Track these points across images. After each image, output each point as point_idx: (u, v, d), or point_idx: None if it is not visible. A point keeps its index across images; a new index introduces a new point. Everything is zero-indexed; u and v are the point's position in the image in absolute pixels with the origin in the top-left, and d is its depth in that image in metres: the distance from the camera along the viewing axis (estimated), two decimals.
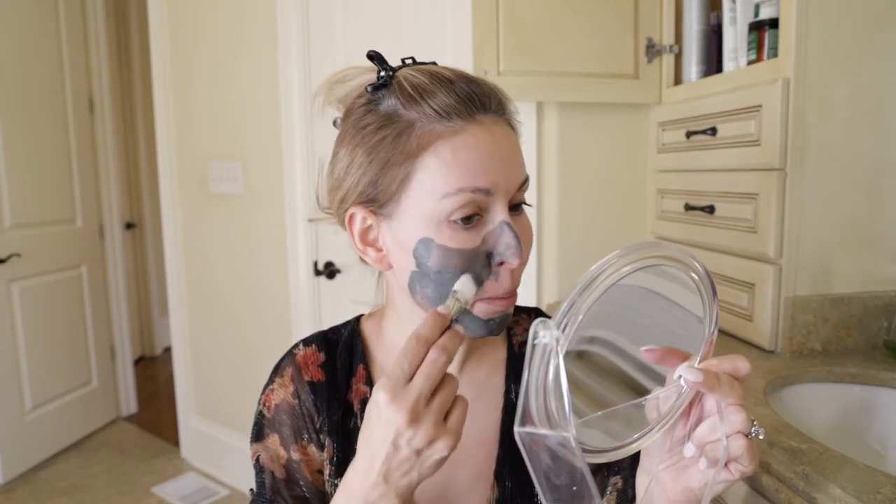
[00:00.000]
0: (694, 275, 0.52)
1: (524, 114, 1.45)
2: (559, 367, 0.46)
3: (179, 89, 2.48)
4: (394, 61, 0.62)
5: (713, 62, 1.43)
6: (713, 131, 1.27)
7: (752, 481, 0.80)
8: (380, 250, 0.62)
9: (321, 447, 0.67)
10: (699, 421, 0.52)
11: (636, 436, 0.52)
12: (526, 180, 0.60)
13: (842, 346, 1.16)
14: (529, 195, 1.59)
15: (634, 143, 1.58)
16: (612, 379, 0.53)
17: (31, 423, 2.62)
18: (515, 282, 0.59)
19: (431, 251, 0.56)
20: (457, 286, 0.55)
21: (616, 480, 0.68)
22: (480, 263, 0.57)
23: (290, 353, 0.70)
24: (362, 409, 0.67)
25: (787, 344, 1.14)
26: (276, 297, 2.22)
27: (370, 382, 0.68)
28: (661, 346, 0.51)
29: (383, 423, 0.49)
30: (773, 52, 1.17)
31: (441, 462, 0.50)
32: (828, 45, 1.09)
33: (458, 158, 0.55)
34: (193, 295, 2.60)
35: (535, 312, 0.77)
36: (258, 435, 0.68)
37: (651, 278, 0.50)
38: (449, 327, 0.53)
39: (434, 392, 0.50)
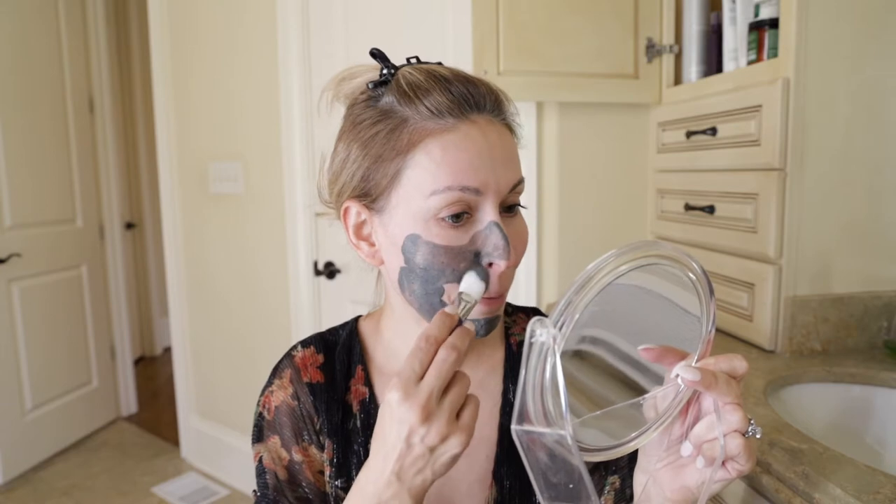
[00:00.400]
0: (691, 274, 0.52)
1: (524, 114, 1.45)
2: (556, 366, 0.46)
3: (179, 89, 2.48)
4: (394, 61, 0.63)
5: (713, 62, 1.43)
6: (713, 131, 1.27)
7: (751, 481, 0.80)
8: (373, 245, 0.62)
9: (321, 448, 0.67)
10: (696, 420, 0.52)
11: (633, 434, 0.52)
12: (520, 182, 0.60)
13: (842, 346, 1.16)
14: (529, 195, 1.59)
15: (634, 143, 1.58)
16: (609, 378, 0.53)
17: (31, 423, 2.62)
18: (504, 285, 0.59)
19: (418, 247, 0.57)
20: (462, 287, 0.55)
21: (614, 479, 0.68)
22: (467, 263, 0.57)
23: (289, 355, 0.71)
24: (361, 411, 0.67)
25: (787, 344, 1.14)
26: (276, 297, 2.22)
27: (369, 383, 0.68)
28: (659, 345, 0.51)
29: (396, 421, 0.49)
30: (773, 52, 1.17)
31: (454, 459, 0.50)
32: (828, 45, 1.09)
33: (448, 156, 0.56)
34: (193, 295, 2.60)
35: (533, 312, 0.77)
36: (259, 436, 0.68)
37: (648, 277, 0.50)
38: (459, 325, 0.52)
39: (446, 390, 0.50)
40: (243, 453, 2.42)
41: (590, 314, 0.48)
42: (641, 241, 0.51)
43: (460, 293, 0.55)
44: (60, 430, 2.79)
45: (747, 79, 1.21)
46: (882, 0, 1.10)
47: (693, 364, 0.51)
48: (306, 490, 0.66)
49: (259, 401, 0.70)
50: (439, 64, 0.62)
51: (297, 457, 0.66)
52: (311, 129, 2.02)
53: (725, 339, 1.26)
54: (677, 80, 1.52)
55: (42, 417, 2.68)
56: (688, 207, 1.39)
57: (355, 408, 0.67)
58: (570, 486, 0.47)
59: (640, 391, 0.53)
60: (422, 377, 0.49)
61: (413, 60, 0.63)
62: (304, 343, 0.71)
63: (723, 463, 0.50)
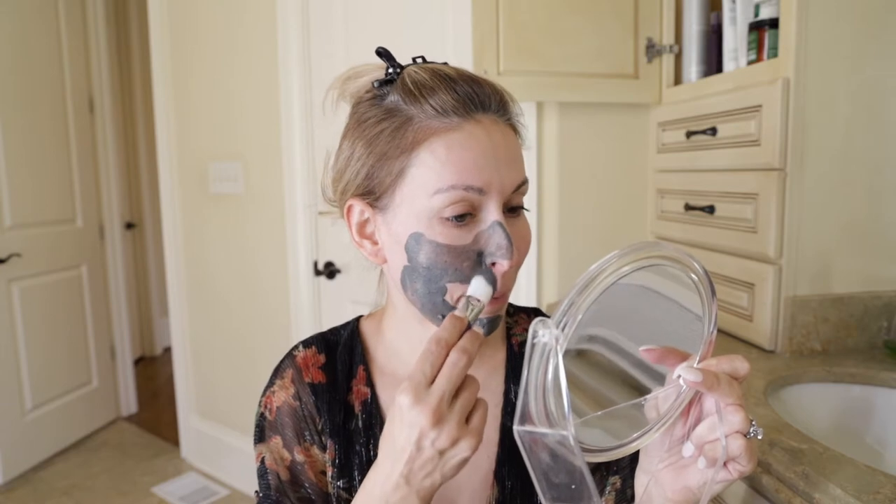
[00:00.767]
0: (693, 275, 0.52)
1: (524, 114, 1.45)
2: (558, 366, 0.46)
3: (179, 89, 2.48)
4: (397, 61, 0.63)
5: (713, 62, 1.43)
6: (713, 131, 1.27)
7: (751, 481, 0.80)
8: (375, 244, 0.62)
9: (323, 449, 0.67)
10: (698, 421, 0.52)
11: (635, 435, 0.52)
12: (524, 183, 0.60)
13: (842, 346, 1.16)
14: (529, 196, 1.58)
15: (634, 143, 1.58)
16: (611, 378, 0.53)
17: (31, 423, 2.62)
18: (506, 285, 0.59)
19: (422, 246, 0.57)
20: (469, 290, 0.55)
21: (615, 480, 0.68)
22: (470, 262, 0.57)
23: (290, 355, 0.70)
24: (363, 411, 0.67)
25: (787, 344, 1.14)
26: (276, 297, 2.22)
27: (370, 383, 0.68)
28: (661, 346, 0.51)
29: (407, 425, 0.49)
30: (773, 52, 1.17)
31: (464, 462, 0.50)
32: (828, 45, 1.09)
33: (452, 155, 0.56)
34: (193, 295, 2.60)
35: (535, 312, 0.77)
36: (261, 437, 0.68)
37: (650, 278, 0.51)
38: (468, 328, 0.52)
39: (456, 394, 0.50)
40: (243, 453, 2.42)
41: (592, 314, 0.48)
42: (644, 242, 0.51)
43: (468, 297, 0.55)
44: (60, 430, 2.79)
45: (747, 79, 1.21)
46: (882, 0, 1.11)
47: (695, 365, 0.51)
48: (308, 491, 0.66)
49: (260, 401, 0.70)
50: (445, 64, 0.62)
51: (300, 457, 0.66)
52: (311, 128, 2.02)
53: (725, 339, 1.26)
54: (677, 80, 1.52)
55: (42, 417, 2.68)
56: (688, 207, 1.39)
57: (357, 408, 0.67)
58: (573, 486, 0.47)
59: (642, 391, 0.53)
60: (432, 381, 0.49)
61: (419, 60, 0.63)
62: (306, 343, 0.71)
63: (724, 464, 0.50)
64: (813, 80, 1.09)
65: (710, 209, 1.30)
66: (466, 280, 0.57)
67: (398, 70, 0.61)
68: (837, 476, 0.70)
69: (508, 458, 0.66)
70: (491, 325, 0.60)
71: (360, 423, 0.67)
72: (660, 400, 0.53)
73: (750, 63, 1.23)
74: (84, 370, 2.93)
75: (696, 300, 0.52)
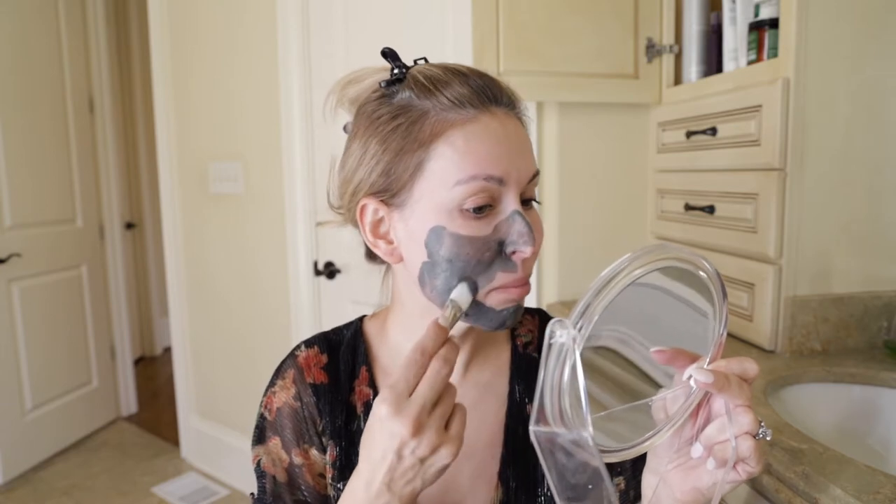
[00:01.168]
0: (704, 275, 0.52)
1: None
2: (576, 367, 0.46)
3: (179, 89, 2.48)
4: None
5: (713, 62, 1.43)
6: (713, 131, 1.27)
7: (752, 481, 0.80)
8: (391, 243, 0.62)
9: (323, 450, 0.66)
10: (707, 422, 0.52)
11: (648, 435, 0.52)
12: (536, 174, 0.60)
13: (842, 346, 1.16)
14: None
15: (634, 143, 1.58)
16: (620, 379, 0.53)
17: (31, 423, 2.62)
18: (527, 270, 0.59)
19: (443, 239, 0.56)
20: (454, 294, 0.56)
21: (619, 481, 0.68)
22: (491, 252, 0.57)
23: (292, 355, 0.70)
24: (365, 412, 0.67)
25: (787, 344, 1.14)
26: (276, 297, 2.22)
27: (373, 384, 0.68)
28: (671, 348, 0.52)
29: (387, 434, 0.49)
30: (773, 52, 1.17)
31: (443, 469, 0.50)
32: (828, 45, 1.09)
33: (470, 146, 0.56)
34: (193, 295, 2.60)
35: (539, 314, 0.77)
36: (259, 437, 0.68)
37: (662, 280, 0.51)
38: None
39: (436, 401, 0.50)
40: (243, 453, 2.42)
41: (606, 316, 0.48)
42: (656, 244, 0.51)
43: (451, 299, 0.55)
44: (60, 430, 2.79)
45: (747, 79, 1.21)
46: (882, 0, 1.11)
47: (705, 366, 0.51)
48: (305, 494, 0.65)
49: (261, 401, 0.69)
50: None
51: (298, 460, 0.66)
52: (311, 129, 2.02)
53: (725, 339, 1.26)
54: (677, 80, 1.52)
55: (42, 417, 2.68)
56: (688, 207, 1.39)
57: (359, 409, 0.67)
58: (590, 486, 0.47)
59: (651, 392, 0.54)
60: (413, 390, 0.50)
61: (420, 62, 0.63)
62: (308, 343, 0.71)
63: (733, 465, 0.50)
64: (813, 80, 1.10)
65: (710, 209, 1.30)
66: (488, 271, 0.57)
67: (404, 70, 0.61)
68: (837, 476, 0.70)
69: (512, 459, 0.66)
70: (516, 313, 0.60)
71: (362, 424, 0.66)
72: (668, 401, 0.53)
73: (750, 63, 1.23)
74: (84, 370, 2.93)
75: (706, 302, 0.53)
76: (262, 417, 0.69)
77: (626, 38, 1.49)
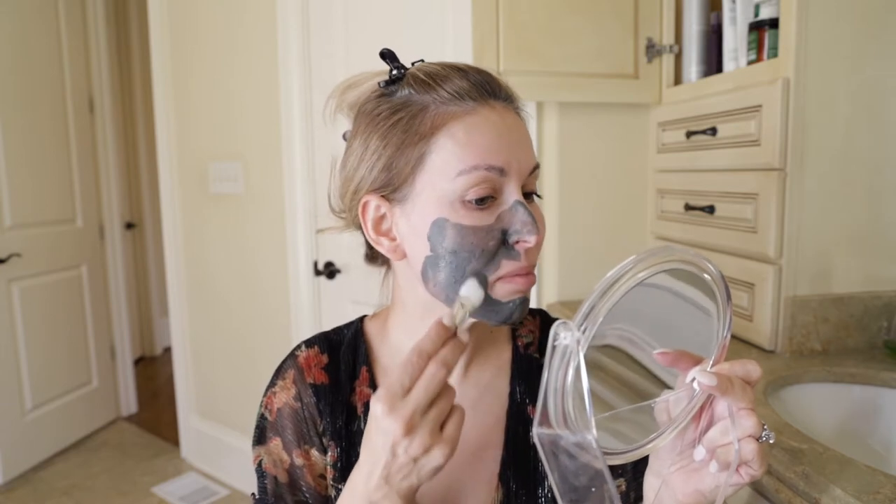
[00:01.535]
0: (708, 277, 0.52)
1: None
2: (580, 369, 0.46)
3: (179, 89, 2.48)
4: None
5: (713, 62, 1.43)
6: (713, 131, 1.27)
7: (753, 482, 0.80)
8: (393, 239, 0.62)
9: (324, 451, 0.66)
10: (710, 424, 0.52)
11: (651, 437, 0.52)
12: (537, 167, 0.61)
13: (842, 346, 1.16)
14: None
15: (634, 143, 1.58)
16: (623, 381, 0.53)
17: (31, 423, 2.62)
18: (531, 260, 0.59)
19: (446, 231, 0.56)
20: (462, 291, 0.55)
21: (620, 482, 0.68)
22: (496, 242, 0.57)
23: (292, 355, 0.70)
24: (366, 413, 0.67)
25: (787, 344, 1.14)
26: (276, 297, 2.22)
27: (373, 385, 0.68)
28: (674, 350, 0.51)
29: (381, 432, 0.50)
30: (773, 52, 1.17)
31: (438, 469, 0.50)
32: (828, 45, 1.09)
33: (471, 137, 0.56)
34: (193, 295, 2.60)
35: (540, 314, 0.77)
36: (260, 438, 0.68)
37: (667, 282, 0.51)
38: (453, 336, 0.52)
39: (432, 402, 0.50)
40: (243, 453, 2.42)
41: (610, 318, 0.48)
42: (660, 246, 0.51)
43: (460, 296, 0.55)
44: (60, 430, 2.79)
45: (747, 79, 1.21)
46: (882, 0, 1.11)
47: (709, 369, 0.51)
48: (306, 494, 0.65)
49: (262, 402, 0.69)
50: None
51: (299, 460, 0.66)
52: (311, 129, 2.02)
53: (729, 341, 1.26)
54: (677, 80, 1.52)
55: (42, 417, 2.68)
56: (688, 207, 1.39)
57: (360, 410, 0.67)
58: (593, 489, 0.47)
59: (654, 394, 0.54)
60: (409, 390, 0.50)
61: (419, 63, 0.63)
62: (308, 343, 0.71)
63: (736, 468, 0.50)
64: (813, 80, 1.10)
65: (710, 209, 1.30)
66: (492, 261, 0.57)
67: (403, 70, 0.61)
68: (838, 476, 0.70)
69: (513, 460, 0.66)
70: (523, 305, 0.60)
71: (362, 424, 0.66)
72: (671, 403, 0.53)
73: (750, 63, 1.23)
74: (84, 370, 2.93)
75: (711, 304, 0.53)
76: (262, 418, 0.68)
77: (626, 38, 1.49)
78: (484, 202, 0.56)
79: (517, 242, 0.57)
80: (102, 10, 2.99)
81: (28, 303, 2.61)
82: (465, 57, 1.45)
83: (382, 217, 0.61)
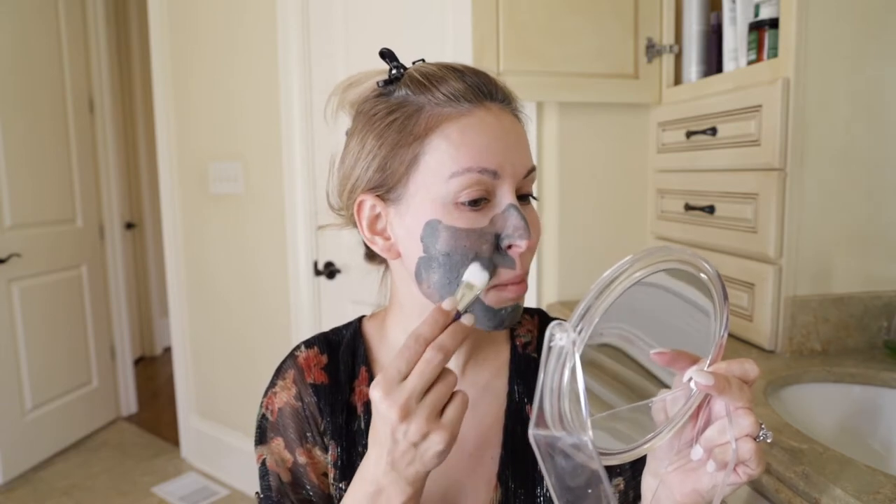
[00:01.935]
0: (705, 277, 0.52)
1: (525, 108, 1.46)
2: (575, 370, 0.46)
3: (179, 89, 2.48)
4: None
5: (713, 62, 1.43)
6: (713, 131, 1.27)
7: (752, 482, 0.80)
8: (388, 239, 0.62)
9: (325, 450, 0.66)
10: (707, 424, 0.52)
11: (648, 437, 0.52)
12: (533, 169, 0.60)
13: (842, 346, 1.16)
14: None
15: (634, 143, 1.58)
16: (627, 377, 0.53)
17: (31, 423, 2.62)
18: (524, 266, 0.59)
19: (439, 233, 0.56)
20: (466, 276, 0.55)
21: (618, 482, 0.68)
22: (489, 245, 0.57)
23: (292, 356, 0.70)
24: (365, 412, 0.67)
25: (787, 344, 1.14)
26: (276, 297, 2.22)
27: None
28: (671, 349, 0.51)
29: (380, 418, 0.50)
30: (773, 52, 1.17)
31: (441, 454, 0.50)
32: (828, 45, 1.09)
33: (465, 139, 0.56)
34: (193, 295, 2.60)
35: (538, 314, 0.77)
36: (262, 438, 0.68)
37: (664, 281, 0.51)
38: (455, 320, 0.52)
39: (429, 388, 0.50)
40: (243, 453, 2.42)
41: (606, 318, 0.48)
42: (657, 246, 0.51)
43: (463, 281, 0.55)
44: (60, 430, 2.79)
45: (747, 79, 1.21)
46: (882, 0, 1.11)
47: (706, 368, 0.51)
48: (310, 492, 0.65)
49: (262, 402, 0.69)
50: None
51: (302, 459, 0.66)
52: (311, 129, 2.02)
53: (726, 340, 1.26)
54: (677, 80, 1.52)
55: (42, 417, 2.68)
56: (688, 207, 1.39)
57: (359, 409, 0.67)
58: (589, 490, 0.47)
59: (651, 394, 0.53)
60: (406, 376, 0.50)
61: (419, 62, 0.64)
62: (308, 343, 0.71)
63: (734, 467, 0.50)
64: (813, 80, 1.10)
65: (710, 209, 1.30)
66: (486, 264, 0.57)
67: (402, 70, 0.61)
68: (837, 476, 0.70)
69: (511, 460, 0.66)
70: (514, 312, 0.60)
71: (362, 424, 0.66)
72: (668, 403, 0.53)
73: (750, 63, 1.23)
74: (84, 370, 2.93)
75: (708, 303, 0.53)
76: (263, 418, 0.69)
77: (626, 38, 1.49)
78: (477, 204, 0.56)
79: (510, 247, 0.57)
80: (102, 10, 2.99)
81: (28, 303, 2.61)
82: (465, 57, 1.45)
83: (377, 217, 0.62)
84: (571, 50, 1.45)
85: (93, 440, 2.93)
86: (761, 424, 0.50)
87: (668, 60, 1.51)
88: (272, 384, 0.70)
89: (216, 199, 2.41)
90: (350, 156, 0.62)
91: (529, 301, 1.57)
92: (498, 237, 0.57)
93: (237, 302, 2.40)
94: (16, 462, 2.56)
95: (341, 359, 0.69)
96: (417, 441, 0.49)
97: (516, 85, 0.65)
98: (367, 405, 0.67)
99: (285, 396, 0.68)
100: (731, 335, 1.26)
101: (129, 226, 3.68)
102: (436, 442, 0.49)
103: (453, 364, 0.67)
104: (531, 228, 0.57)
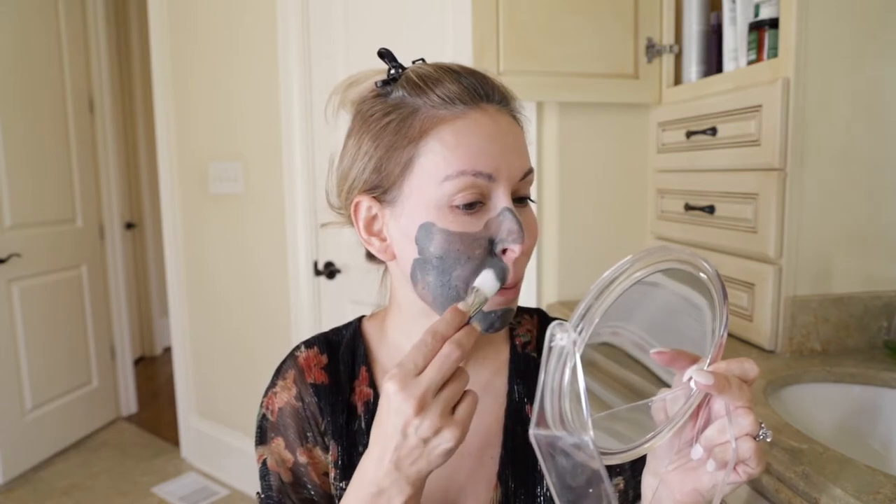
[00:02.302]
0: (705, 276, 0.52)
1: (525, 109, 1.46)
2: (576, 370, 0.46)
3: (179, 89, 2.48)
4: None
5: (713, 62, 1.43)
6: (713, 131, 1.27)
7: (752, 481, 0.80)
8: (384, 240, 0.62)
9: (326, 450, 0.66)
10: (707, 423, 0.52)
11: (648, 436, 0.52)
12: (531, 171, 0.60)
13: (842, 346, 1.16)
14: None
15: (634, 143, 1.58)
16: (627, 377, 0.53)
17: (31, 423, 2.62)
18: (518, 272, 0.59)
19: (433, 236, 0.56)
20: (477, 282, 0.55)
21: (618, 482, 0.68)
22: (482, 249, 0.57)
23: (292, 356, 0.70)
24: (366, 412, 0.67)
25: (787, 344, 1.14)
26: (276, 297, 2.22)
27: (373, 385, 0.68)
28: (671, 349, 0.51)
29: (393, 412, 0.49)
30: (773, 52, 1.17)
31: (448, 452, 0.50)
32: (828, 45, 1.09)
33: (460, 141, 0.56)
34: (193, 295, 2.60)
35: (538, 313, 0.77)
36: (262, 438, 0.68)
37: (665, 280, 0.51)
38: (467, 324, 0.52)
39: (444, 385, 0.50)
40: (243, 453, 2.42)
41: (606, 318, 0.48)
42: (657, 246, 0.51)
43: (474, 287, 0.55)
44: (60, 430, 2.79)
45: (747, 79, 1.21)
46: (882, 0, 1.11)
47: (705, 368, 0.51)
48: (311, 492, 0.65)
49: (262, 402, 0.69)
50: None
51: (302, 459, 0.66)
52: (311, 129, 2.02)
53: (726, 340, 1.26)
54: (677, 80, 1.52)
55: (42, 417, 2.68)
56: (688, 207, 1.39)
57: (360, 409, 0.67)
58: (590, 489, 0.47)
59: (651, 393, 0.53)
60: (422, 371, 0.50)
61: (419, 62, 0.64)
62: (308, 343, 0.71)
63: (734, 466, 0.50)
64: (813, 80, 1.10)
65: (710, 209, 1.30)
66: (479, 269, 0.57)
67: (400, 70, 0.61)
68: (837, 476, 0.70)
69: (512, 460, 0.66)
70: (505, 316, 0.60)
71: (363, 424, 0.66)
72: (668, 402, 0.53)
73: (750, 63, 1.23)
74: (84, 370, 2.93)
75: (707, 303, 0.53)
76: (263, 418, 0.69)
77: (626, 38, 1.49)
78: (472, 207, 0.56)
79: (504, 251, 0.57)
80: (102, 10, 2.99)
81: (28, 303, 2.61)
82: (465, 57, 1.45)
83: (374, 218, 0.62)
84: (571, 50, 1.45)
85: (93, 440, 2.93)
86: (761, 424, 0.50)
87: (668, 60, 1.51)
88: (272, 384, 0.70)
89: (216, 199, 2.41)
90: (348, 156, 0.62)
91: (529, 301, 1.57)
92: (492, 241, 0.57)
93: (237, 302, 2.40)
94: (16, 462, 2.56)
95: (341, 359, 0.69)
96: (429, 437, 0.49)
97: (516, 85, 0.65)
98: (368, 405, 0.67)
99: (285, 396, 0.68)
100: (730, 335, 1.26)
101: (129, 226, 3.68)
102: (447, 439, 0.49)
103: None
104: (526, 232, 0.57)
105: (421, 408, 0.48)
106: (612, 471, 0.68)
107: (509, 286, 0.58)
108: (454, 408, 0.51)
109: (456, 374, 0.51)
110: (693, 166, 1.38)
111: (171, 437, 2.89)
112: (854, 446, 0.97)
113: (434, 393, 0.49)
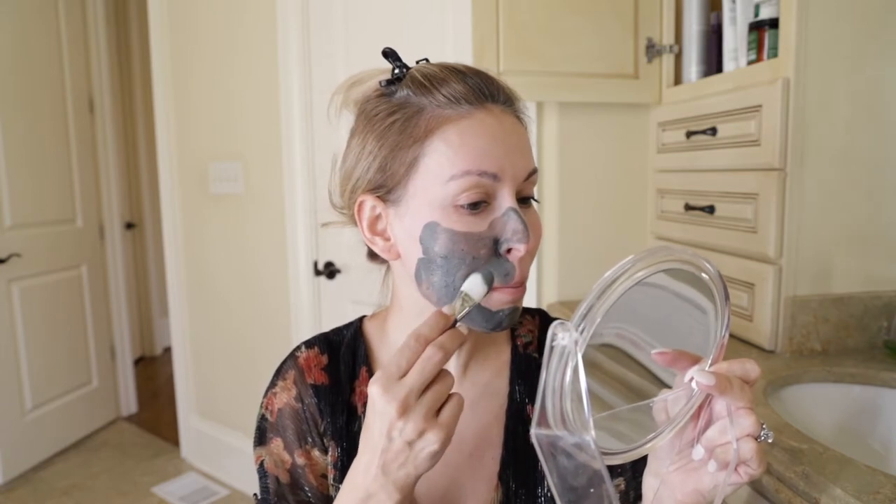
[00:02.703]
0: (706, 277, 0.52)
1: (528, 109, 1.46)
2: (577, 369, 0.46)
3: (179, 89, 2.48)
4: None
5: (713, 62, 1.43)
6: (713, 131, 1.27)
7: (752, 482, 0.80)
8: (388, 239, 0.62)
9: (325, 451, 0.66)
10: (708, 424, 0.52)
11: (650, 437, 0.52)
12: (534, 171, 0.60)
13: (842, 346, 1.16)
14: None
15: (634, 143, 1.58)
16: (628, 377, 0.53)
17: (31, 423, 2.62)
18: (523, 272, 0.59)
19: (437, 235, 0.56)
20: (465, 286, 0.55)
21: (619, 482, 0.68)
22: (487, 249, 0.57)
23: (292, 356, 0.70)
24: (366, 413, 0.67)
25: (787, 344, 1.14)
26: (276, 297, 2.22)
27: None
28: (672, 349, 0.51)
29: (378, 415, 0.50)
30: (773, 52, 1.17)
31: (434, 455, 0.50)
32: (828, 45, 1.09)
33: (465, 141, 0.56)
34: (193, 295, 2.60)
35: (539, 314, 0.77)
36: (261, 439, 0.68)
37: (666, 280, 0.51)
38: (452, 326, 0.52)
39: (427, 387, 0.50)
40: (243, 453, 2.42)
41: (608, 318, 0.48)
42: (659, 246, 0.51)
43: (461, 291, 0.55)
44: (60, 430, 2.79)
45: (747, 79, 1.21)
46: (882, 0, 1.11)
47: (707, 368, 0.51)
48: (308, 494, 0.65)
49: (262, 402, 0.69)
50: None
51: (300, 460, 0.66)
52: (311, 129, 2.02)
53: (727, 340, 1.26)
54: (677, 80, 1.52)
55: (42, 417, 2.68)
56: (688, 207, 1.39)
57: (360, 410, 0.67)
58: (591, 489, 0.47)
59: (652, 394, 0.53)
60: (405, 374, 0.50)
61: (422, 62, 0.64)
62: (308, 344, 0.71)
63: (735, 467, 0.50)
64: (813, 80, 1.10)
65: (710, 209, 1.30)
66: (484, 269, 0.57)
67: (405, 69, 0.61)
68: (837, 476, 0.70)
69: (512, 460, 0.66)
70: (513, 315, 0.59)
71: (363, 424, 0.66)
72: (669, 402, 0.53)
73: (750, 63, 1.23)
74: (84, 370, 2.93)
75: (709, 304, 0.53)
76: (262, 418, 0.69)
77: (626, 38, 1.49)
78: (477, 207, 0.56)
79: (509, 251, 0.57)
80: (102, 10, 2.99)
81: (28, 303, 2.61)
82: (465, 57, 1.45)
83: (378, 217, 0.62)
84: (571, 50, 1.45)
85: (93, 440, 2.93)
86: (762, 424, 0.50)
87: (668, 60, 1.51)
88: (272, 385, 0.69)
89: (216, 199, 2.41)
90: (351, 155, 0.62)
91: (530, 301, 1.57)
92: (497, 241, 0.57)
93: (237, 302, 2.40)
94: (16, 462, 2.56)
95: (342, 359, 0.69)
96: (413, 439, 0.49)
97: (516, 85, 0.65)
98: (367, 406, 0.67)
99: (285, 397, 0.68)
100: (731, 335, 1.26)
101: (129, 226, 3.68)
102: (431, 441, 0.49)
103: (454, 364, 0.67)
104: (531, 231, 0.57)
105: (404, 410, 0.49)
106: (614, 471, 0.68)
107: (515, 285, 0.58)
108: (439, 410, 0.51)
109: (440, 376, 0.51)
110: (693, 166, 1.38)
111: (171, 437, 2.89)
112: (854, 446, 0.97)
113: (417, 395, 0.49)
